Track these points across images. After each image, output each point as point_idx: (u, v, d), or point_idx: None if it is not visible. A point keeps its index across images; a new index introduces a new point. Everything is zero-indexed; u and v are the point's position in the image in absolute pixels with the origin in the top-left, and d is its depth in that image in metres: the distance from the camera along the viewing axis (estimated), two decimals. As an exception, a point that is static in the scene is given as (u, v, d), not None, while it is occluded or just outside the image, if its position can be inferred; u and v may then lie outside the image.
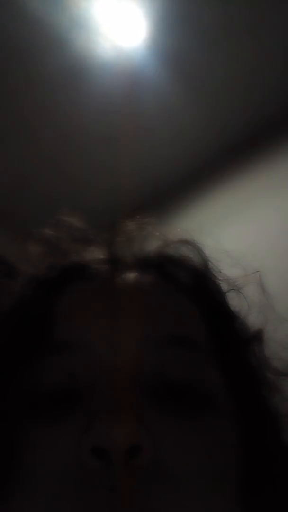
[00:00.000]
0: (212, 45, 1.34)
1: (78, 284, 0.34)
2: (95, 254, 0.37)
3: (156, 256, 0.38)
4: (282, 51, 1.35)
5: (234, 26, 1.30)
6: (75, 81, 1.39)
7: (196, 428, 0.28)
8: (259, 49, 1.35)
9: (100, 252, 0.37)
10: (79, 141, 1.57)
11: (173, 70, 1.39)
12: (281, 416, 0.35)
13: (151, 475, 0.24)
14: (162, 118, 1.50)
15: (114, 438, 0.24)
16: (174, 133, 1.56)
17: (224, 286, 0.38)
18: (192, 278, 0.37)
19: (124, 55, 1.34)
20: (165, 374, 0.29)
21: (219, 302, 0.37)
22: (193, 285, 0.37)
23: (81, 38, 1.30)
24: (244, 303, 0.38)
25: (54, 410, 0.28)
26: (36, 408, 0.28)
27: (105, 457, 0.24)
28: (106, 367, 0.28)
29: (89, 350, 0.29)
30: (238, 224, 1.33)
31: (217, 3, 1.24)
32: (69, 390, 0.28)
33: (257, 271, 0.39)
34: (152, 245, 0.38)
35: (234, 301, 0.37)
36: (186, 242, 0.39)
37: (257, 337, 0.37)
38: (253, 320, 0.37)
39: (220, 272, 0.38)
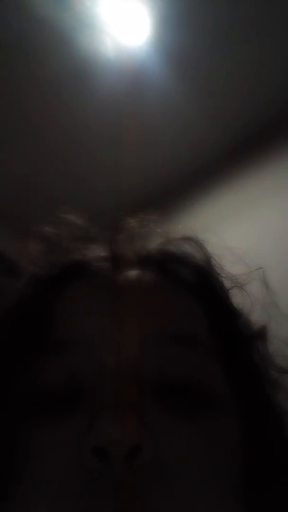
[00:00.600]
0: (215, 44, 1.34)
1: (79, 282, 0.34)
2: (96, 251, 0.37)
3: (158, 253, 0.38)
4: (286, 50, 1.35)
5: (238, 25, 1.29)
6: (79, 79, 1.39)
7: (198, 427, 0.27)
8: (263, 48, 1.35)
9: (101, 249, 0.37)
10: (82, 140, 1.57)
11: (177, 68, 1.38)
12: (285, 414, 0.35)
13: (152, 475, 0.24)
14: (166, 116, 1.50)
15: (115, 438, 0.23)
16: (177, 132, 1.56)
17: (227, 283, 0.38)
18: (195, 275, 0.37)
19: (128, 54, 1.34)
20: (168, 373, 0.29)
21: (222, 299, 0.37)
22: (195, 282, 0.36)
23: (85, 37, 1.30)
24: (247, 300, 0.38)
25: (55, 410, 0.27)
26: (37, 407, 0.28)
27: (105, 457, 0.23)
28: (108, 366, 0.28)
29: (90, 349, 0.29)
30: (241, 223, 1.33)
31: (221, 2, 1.24)
32: (70, 390, 0.28)
33: (261, 268, 0.39)
34: (154, 243, 0.38)
35: (238, 298, 0.37)
36: (188, 239, 0.39)
37: (261, 334, 0.37)
38: (256, 317, 0.37)
39: (223, 269, 0.38)
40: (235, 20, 1.28)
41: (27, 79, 1.39)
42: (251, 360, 0.36)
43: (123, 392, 0.27)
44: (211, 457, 0.27)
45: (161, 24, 1.29)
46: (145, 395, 0.27)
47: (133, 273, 0.35)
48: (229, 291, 0.38)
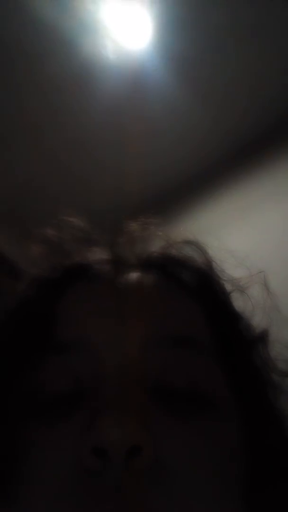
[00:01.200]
0: (218, 48, 1.34)
1: (81, 284, 0.34)
2: (98, 254, 0.37)
3: (159, 256, 0.38)
4: (288, 53, 1.36)
5: (240, 29, 1.30)
6: (82, 82, 1.40)
7: (199, 428, 0.27)
8: (265, 51, 1.36)
9: (102, 252, 0.37)
10: (85, 143, 1.57)
11: (179, 72, 1.39)
12: (286, 417, 0.35)
13: (152, 476, 0.24)
14: (168, 120, 1.51)
15: (114, 438, 0.24)
16: (179, 135, 1.56)
17: (228, 287, 0.38)
18: (196, 278, 0.37)
19: (130, 57, 1.35)
20: (168, 375, 0.29)
21: (223, 302, 0.37)
22: (196, 285, 0.36)
23: (88, 40, 1.31)
24: (248, 304, 0.38)
25: (56, 410, 0.28)
26: (39, 408, 0.28)
27: (105, 457, 0.24)
28: (109, 367, 0.28)
29: (92, 350, 0.29)
30: (243, 226, 1.33)
31: (223, 6, 1.25)
32: (71, 391, 0.28)
33: (262, 271, 0.39)
34: (155, 246, 0.38)
35: (239, 302, 0.37)
36: (189, 243, 0.39)
37: (262, 337, 0.37)
38: (257, 320, 0.37)
39: (224, 272, 0.38)
40: (237, 24, 1.29)
41: (30, 82, 1.40)
42: (252, 363, 0.36)
43: (123, 393, 0.27)
44: (210, 459, 0.27)
45: (163, 28, 1.29)
46: (146, 396, 0.27)
47: (134, 275, 0.35)
48: (230, 294, 0.38)
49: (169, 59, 1.36)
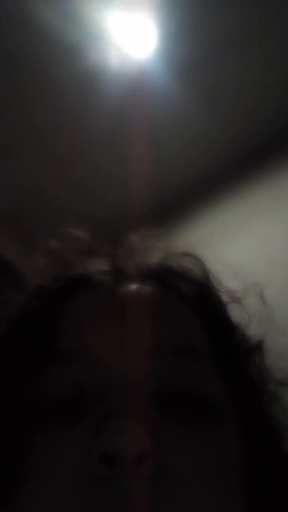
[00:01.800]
0: (222, 55, 1.34)
1: (82, 294, 0.35)
2: (99, 265, 0.38)
3: (158, 267, 0.38)
4: (293, 60, 1.35)
5: (245, 35, 1.30)
6: (87, 91, 1.40)
7: (202, 435, 0.28)
8: (270, 58, 1.35)
9: (103, 263, 0.38)
10: (90, 151, 1.57)
11: (183, 80, 1.39)
12: (282, 426, 0.35)
13: (159, 482, 0.25)
14: (173, 128, 1.51)
15: (122, 445, 0.24)
16: (184, 143, 1.56)
17: (225, 298, 0.38)
18: (193, 289, 0.38)
19: (135, 65, 1.35)
20: (171, 383, 0.30)
21: (220, 313, 0.38)
22: (194, 296, 0.37)
23: (93, 49, 1.31)
24: (244, 315, 0.38)
25: (62, 418, 0.28)
26: (44, 416, 0.29)
27: (113, 463, 0.24)
28: (113, 376, 0.29)
29: (96, 359, 0.30)
30: (241, 237, 1.33)
31: (227, 13, 1.25)
32: (77, 398, 0.29)
33: (257, 284, 0.40)
34: (154, 257, 0.39)
35: (235, 313, 0.38)
36: (187, 255, 0.39)
37: (258, 348, 0.38)
38: (253, 331, 0.37)
39: (221, 284, 0.39)
40: (241, 31, 1.29)
41: (36, 91, 1.41)
42: (248, 372, 0.36)
43: (129, 400, 0.27)
44: (214, 464, 0.27)
45: (167, 36, 1.30)
46: (150, 404, 0.28)
47: (133, 286, 0.35)
48: (227, 305, 0.38)
49: (174, 67, 1.37)
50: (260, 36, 1.31)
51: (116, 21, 1.26)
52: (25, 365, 0.31)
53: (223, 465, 0.28)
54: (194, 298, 0.37)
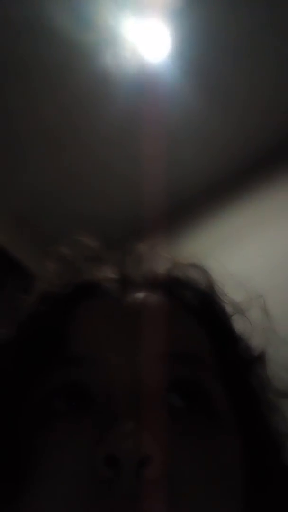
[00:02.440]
0: (236, 59, 1.34)
1: (90, 301, 0.36)
2: (107, 273, 0.39)
3: (165, 277, 0.39)
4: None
5: (259, 39, 1.30)
6: (102, 95, 1.41)
7: (206, 442, 0.29)
8: (285, 61, 1.35)
9: (111, 271, 0.39)
10: (104, 154, 1.57)
11: (198, 84, 1.39)
12: (282, 435, 0.36)
13: (163, 484, 0.25)
14: (186, 131, 1.50)
15: (127, 448, 0.24)
16: (196, 147, 1.55)
17: (229, 309, 0.39)
18: (199, 299, 0.38)
19: (149, 69, 1.36)
20: (176, 389, 0.30)
21: (224, 323, 0.38)
22: (199, 306, 0.38)
23: (108, 54, 1.32)
24: (247, 326, 0.39)
25: (69, 420, 0.29)
26: (52, 418, 0.29)
27: (117, 466, 0.24)
28: (121, 380, 0.29)
29: (103, 363, 0.30)
30: (250, 242, 1.32)
31: (241, 18, 1.25)
32: (84, 401, 0.30)
33: (261, 296, 0.40)
34: (161, 267, 0.40)
35: (238, 324, 0.38)
36: (193, 266, 0.40)
37: (260, 358, 0.38)
38: (255, 342, 0.38)
39: (226, 295, 0.40)
40: (255, 35, 1.29)
41: (51, 94, 1.41)
42: (250, 382, 0.37)
43: (135, 404, 0.28)
44: (217, 469, 0.28)
45: (181, 40, 1.30)
46: (156, 409, 0.29)
47: (140, 294, 0.36)
48: (231, 316, 0.39)
49: (187, 70, 1.36)
50: (274, 40, 1.31)
51: (130, 26, 1.27)
52: (33, 368, 0.32)
53: (226, 470, 0.28)
54: (199, 308, 0.38)
